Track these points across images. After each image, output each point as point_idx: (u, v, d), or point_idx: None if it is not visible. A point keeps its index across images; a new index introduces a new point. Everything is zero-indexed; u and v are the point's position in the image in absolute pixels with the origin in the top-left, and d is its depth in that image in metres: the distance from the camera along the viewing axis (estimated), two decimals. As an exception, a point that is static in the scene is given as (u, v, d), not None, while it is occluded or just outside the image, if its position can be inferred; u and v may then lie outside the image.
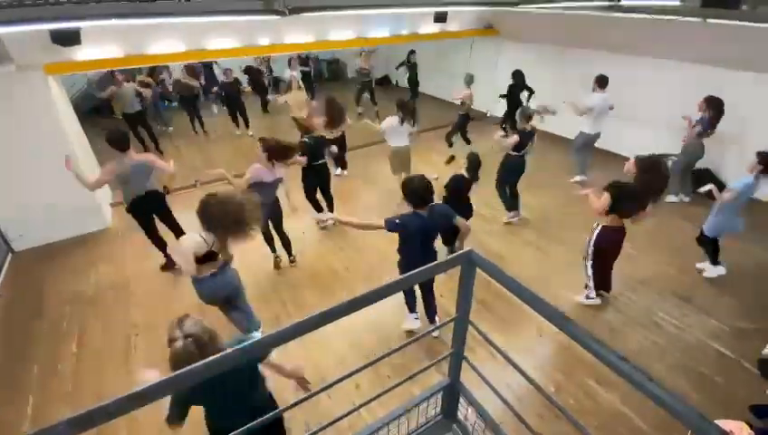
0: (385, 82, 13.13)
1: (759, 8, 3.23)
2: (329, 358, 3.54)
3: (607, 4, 3.91)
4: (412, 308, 3.75)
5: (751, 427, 2.24)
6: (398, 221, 3.12)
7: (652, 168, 3.50)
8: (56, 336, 3.89)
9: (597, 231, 3.72)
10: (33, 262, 4.94)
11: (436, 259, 1.54)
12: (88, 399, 3.25)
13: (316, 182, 5.26)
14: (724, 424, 2.20)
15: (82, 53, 4.98)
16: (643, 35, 6.41)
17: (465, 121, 7.44)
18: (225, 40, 5.90)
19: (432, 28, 7.77)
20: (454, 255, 1.56)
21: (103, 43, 5.12)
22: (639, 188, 3.48)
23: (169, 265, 4.66)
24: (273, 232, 4.53)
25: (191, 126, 9.07)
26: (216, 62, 10.10)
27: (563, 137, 7.92)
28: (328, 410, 3.02)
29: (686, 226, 5.12)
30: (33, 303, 4.30)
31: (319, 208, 5.41)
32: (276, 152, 3.99)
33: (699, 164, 5.81)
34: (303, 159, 4.79)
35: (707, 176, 5.95)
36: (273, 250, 4.65)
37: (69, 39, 4.44)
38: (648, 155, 3.57)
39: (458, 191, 4.34)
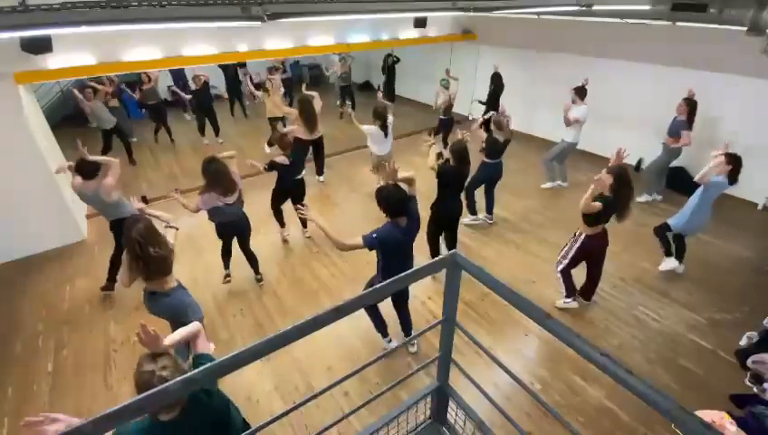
0: (366, 87, 13.14)
1: (725, 11, 3.34)
2: (317, 365, 3.49)
3: (578, 9, 4.00)
4: (384, 333, 3.56)
5: (732, 416, 2.30)
6: (375, 236, 2.83)
7: (627, 178, 3.40)
8: (31, 355, 3.74)
9: (582, 239, 3.65)
10: (5, 278, 4.74)
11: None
12: (66, 418, 3.13)
13: (288, 193, 4.97)
14: (706, 414, 2.26)
15: (54, 60, 4.83)
16: (615, 39, 6.59)
17: (445, 126, 7.41)
18: (203, 46, 5.82)
19: (412, 33, 7.83)
20: (438, 258, 1.56)
21: (76, 51, 4.98)
22: (619, 200, 3.42)
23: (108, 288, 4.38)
24: (239, 250, 4.34)
25: (153, 136, 8.74)
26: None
27: (547, 139, 8.09)
28: (316, 418, 2.98)
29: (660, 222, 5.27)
30: (6, 320, 4.12)
31: (282, 222, 5.17)
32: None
33: (677, 163, 5.99)
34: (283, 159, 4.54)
35: (681, 174, 6.14)
36: (227, 267, 4.42)
37: (40, 47, 4.30)
38: (620, 166, 3.43)
39: (456, 174, 4.17)
